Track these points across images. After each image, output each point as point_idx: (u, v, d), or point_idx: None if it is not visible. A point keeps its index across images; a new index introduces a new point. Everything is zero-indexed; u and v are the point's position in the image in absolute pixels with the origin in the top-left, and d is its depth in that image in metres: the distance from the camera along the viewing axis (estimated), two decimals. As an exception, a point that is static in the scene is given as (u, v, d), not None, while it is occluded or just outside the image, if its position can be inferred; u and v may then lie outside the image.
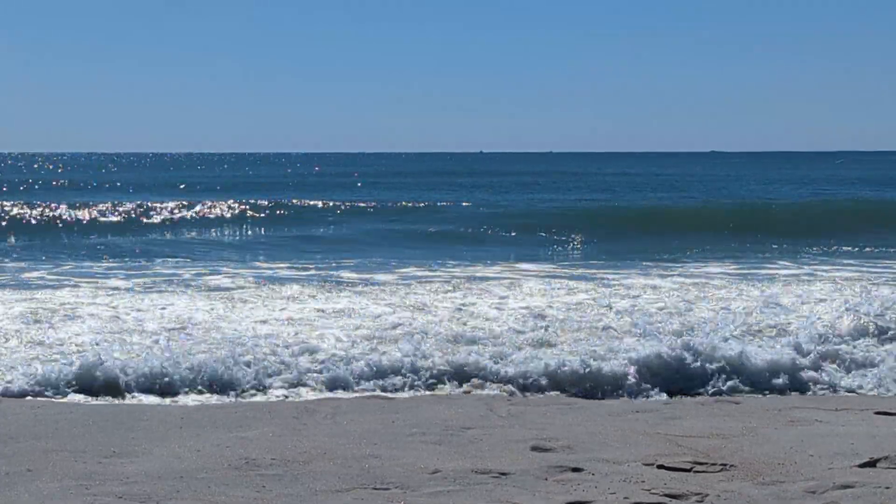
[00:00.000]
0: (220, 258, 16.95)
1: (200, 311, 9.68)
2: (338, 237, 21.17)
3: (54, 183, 45.75)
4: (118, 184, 45.20)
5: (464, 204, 30.97)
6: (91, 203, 26.69)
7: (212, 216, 25.56)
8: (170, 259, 16.55)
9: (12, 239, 20.48)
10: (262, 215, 25.78)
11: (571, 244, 20.26)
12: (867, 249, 18.27)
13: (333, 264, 15.34)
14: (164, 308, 9.87)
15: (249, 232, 22.74)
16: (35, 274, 13.87)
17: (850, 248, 18.36)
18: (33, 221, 23.73)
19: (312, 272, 14.19)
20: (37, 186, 42.47)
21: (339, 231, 22.48)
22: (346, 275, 13.74)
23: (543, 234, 21.23)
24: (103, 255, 17.23)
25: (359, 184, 48.70)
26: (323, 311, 9.73)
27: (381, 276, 13.40)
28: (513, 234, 21.76)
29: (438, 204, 30.28)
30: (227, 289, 11.82)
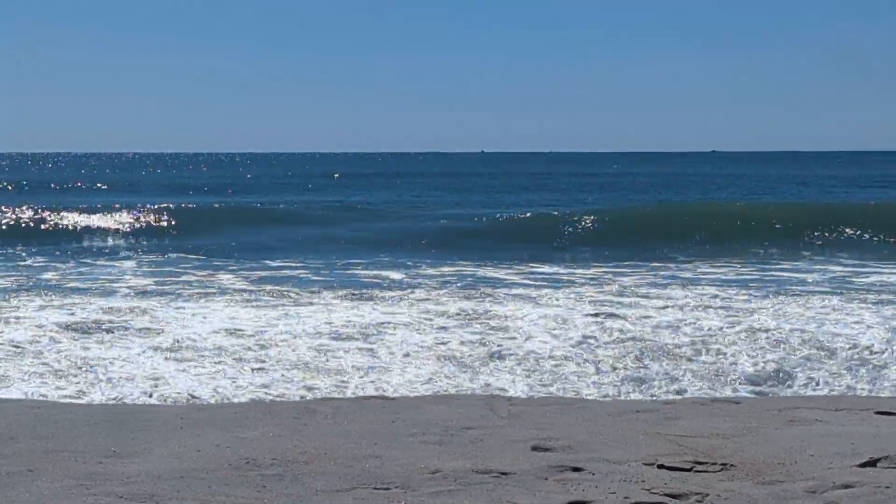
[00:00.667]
0: (241, 258, 17.05)
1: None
2: (354, 238, 21.09)
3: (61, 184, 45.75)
4: (118, 184, 45.23)
5: (467, 206, 30.98)
6: (89, 205, 26.64)
7: (219, 217, 25.41)
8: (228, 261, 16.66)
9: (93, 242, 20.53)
10: (270, 217, 25.65)
11: (580, 247, 20.12)
12: None
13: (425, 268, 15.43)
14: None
15: (263, 233, 22.62)
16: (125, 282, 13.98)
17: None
18: (48, 222, 23.71)
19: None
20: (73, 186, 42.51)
21: (351, 232, 22.38)
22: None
23: (551, 236, 21.15)
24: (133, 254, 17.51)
25: (403, 180, 48.83)
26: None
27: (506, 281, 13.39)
28: (521, 235, 21.59)
29: (442, 207, 30.28)
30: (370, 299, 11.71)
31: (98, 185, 45.91)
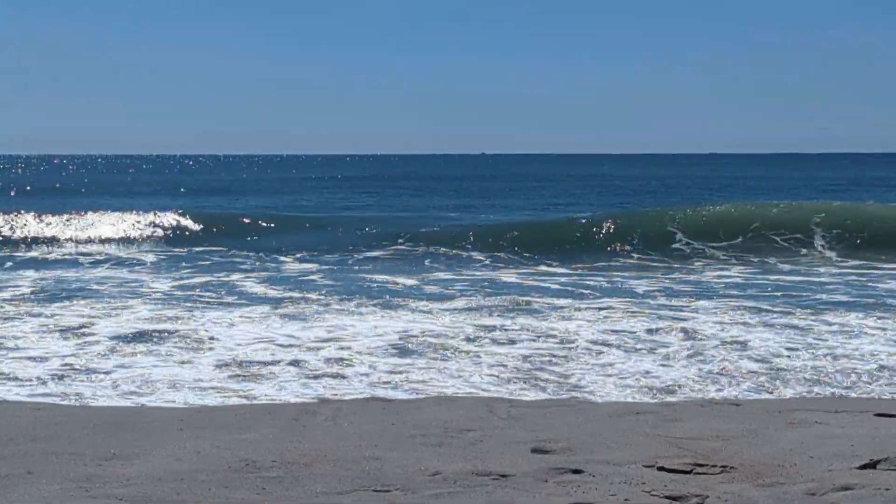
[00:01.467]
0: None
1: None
2: (358, 242, 20.91)
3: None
4: (127, 187, 45.25)
5: (469, 210, 30.96)
6: (109, 208, 26.38)
7: (227, 221, 25.04)
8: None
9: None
10: (277, 220, 25.28)
11: (583, 250, 19.88)
12: None
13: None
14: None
15: (269, 236, 22.34)
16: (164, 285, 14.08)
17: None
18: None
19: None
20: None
21: (354, 236, 22.18)
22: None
23: (553, 239, 20.98)
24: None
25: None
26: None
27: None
28: (523, 238, 21.38)
29: (444, 210, 30.25)
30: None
31: (110, 187, 45.96)
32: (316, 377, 7.93)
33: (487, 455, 4.83)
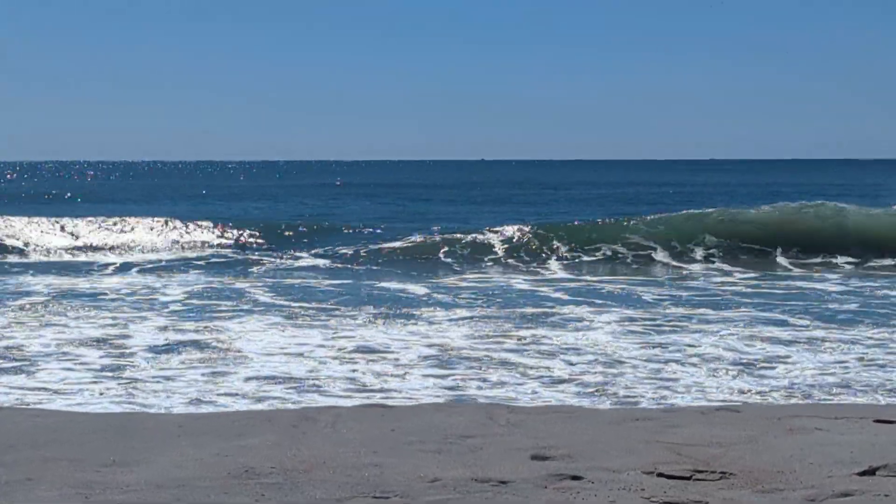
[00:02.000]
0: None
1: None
2: (362, 248, 20.79)
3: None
4: (139, 192, 45.29)
5: (469, 215, 30.97)
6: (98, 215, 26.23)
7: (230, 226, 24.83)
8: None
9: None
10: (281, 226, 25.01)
11: (584, 255, 19.80)
12: None
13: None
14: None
15: (275, 241, 22.23)
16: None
17: None
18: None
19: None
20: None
21: (357, 242, 22.09)
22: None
23: (555, 244, 20.96)
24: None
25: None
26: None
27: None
28: (525, 243, 21.34)
29: (447, 216, 30.25)
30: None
31: (111, 193, 46.02)
32: (364, 391, 7.72)
33: (487, 462, 4.83)
